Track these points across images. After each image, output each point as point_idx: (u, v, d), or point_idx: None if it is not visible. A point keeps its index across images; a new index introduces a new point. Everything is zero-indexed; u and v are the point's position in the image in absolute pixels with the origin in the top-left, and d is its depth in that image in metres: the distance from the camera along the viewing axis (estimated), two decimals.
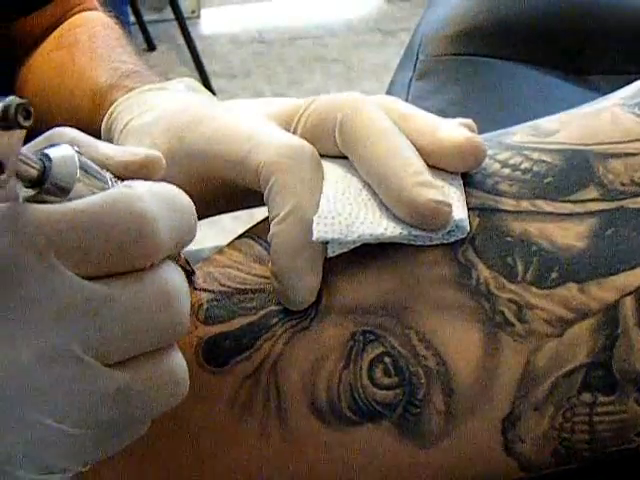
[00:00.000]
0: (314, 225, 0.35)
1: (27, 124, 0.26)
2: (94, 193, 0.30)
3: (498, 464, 0.35)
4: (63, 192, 0.29)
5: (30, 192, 0.29)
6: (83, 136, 0.34)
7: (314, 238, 0.35)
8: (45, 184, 0.29)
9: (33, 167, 0.28)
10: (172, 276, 0.31)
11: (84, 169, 0.30)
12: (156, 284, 0.30)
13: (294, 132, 0.39)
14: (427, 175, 0.36)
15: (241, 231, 0.41)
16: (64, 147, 0.30)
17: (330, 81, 2.37)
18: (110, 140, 0.49)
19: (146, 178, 0.33)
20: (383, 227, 0.35)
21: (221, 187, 0.41)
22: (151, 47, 2.49)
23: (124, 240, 0.29)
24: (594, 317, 0.34)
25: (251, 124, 0.39)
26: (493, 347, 0.34)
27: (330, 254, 0.35)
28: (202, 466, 0.36)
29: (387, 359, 0.35)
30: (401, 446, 0.35)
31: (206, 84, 2.30)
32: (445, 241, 0.35)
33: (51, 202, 0.29)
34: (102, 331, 0.28)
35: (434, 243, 0.35)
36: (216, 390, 0.36)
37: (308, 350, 0.35)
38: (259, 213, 0.45)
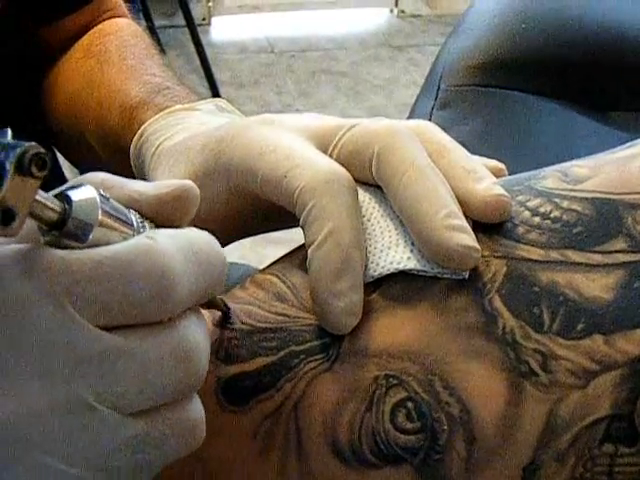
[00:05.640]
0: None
1: (41, 174, 0.26)
2: (121, 236, 0.29)
3: None
4: (84, 235, 0.28)
5: (50, 235, 0.29)
6: (113, 177, 0.33)
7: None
8: (65, 227, 0.28)
9: (53, 210, 0.28)
10: (191, 330, 0.30)
11: (107, 211, 0.29)
12: (174, 338, 0.30)
13: (330, 155, 0.39)
14: (459, 218, 0.36)
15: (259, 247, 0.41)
16: (86, 188, 0.29)
17: (338, 94, 2.37)
18: (141, 162, 0.49)
19: (181, 211, 0.33)
20: (406, 259, 0.36)
21: (256, 203, 0.40)
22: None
23: (142, 296, 0.28)
24: (619, 369, 0.34)
25: (289, 143, 0.39)
26: (517, 396, 0.34)
27: (368, 279, 0.36)
28: None
29: (410, 404, 0.35)
30: None
31: (214, 92, 2.31)
32: (455, 277, 0.36)
33: (72, 246, 0.28)
34: (118, 383, 0.28)
35: (444, 277, 0.36)
36: (236, 428, 0.36)
37: (330, 391, 0.35)
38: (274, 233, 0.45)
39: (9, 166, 0.26)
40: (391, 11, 2.89)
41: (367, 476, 0.35)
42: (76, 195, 0.29)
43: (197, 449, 0.32)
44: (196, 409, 0.31)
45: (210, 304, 0.36)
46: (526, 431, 0.34)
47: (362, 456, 0.35)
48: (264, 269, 0.41)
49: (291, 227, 0.44)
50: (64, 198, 0.29)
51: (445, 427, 0.34)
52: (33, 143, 0.26)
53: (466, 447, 0.34)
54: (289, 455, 0.35)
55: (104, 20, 0.65)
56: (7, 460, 0.27)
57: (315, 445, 0.35)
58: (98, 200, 0.29)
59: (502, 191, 0.37)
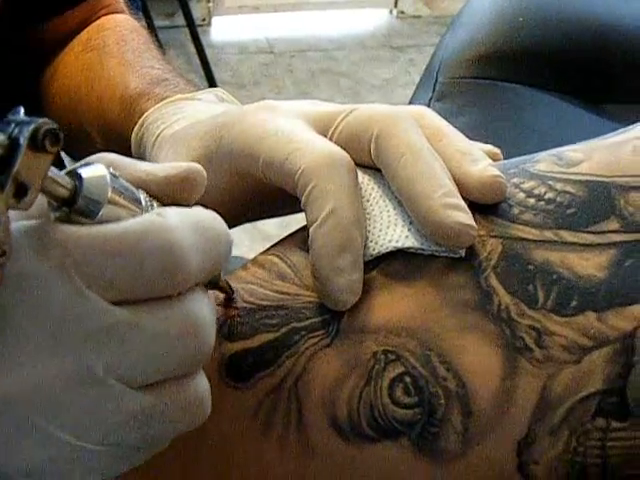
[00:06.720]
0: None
1: (54, 150, 0.27)
2: (130, 214, 0.30)
3: None
4: (93, 212, 0.29)
5: (60, 212, 0.29)
6: (122, 157, 0.34)
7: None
8: (75, 204, 0.29)
9: (64, 187, 0.29)
10: (199, 305, 0.31)
11: (117, 189, 0.30)
12: (182, 313, 0.30)
13: (329, 139, 0.40)
14: (456, 197, 0.37)
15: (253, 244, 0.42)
16: (97, 167, 0.30)
17: (338, 94, 2.38)
18: (142, 152, 0.50)
19: (188, 192, 0.34)
20: (404, 238, 0.37)
21: (258, 187, 0.41)
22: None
23: (152, 270, 0.29)
24: (611, 345, 0.35)
25: (290, 127, 0.39)
26: (512, 371, 0.35)
27: (367, 258, 0.37)
28: (222, 479, 0.37)
29: (407, 379, 0.35)
30: (418, 464, 0.36)
31: None
32: (453, 255, 0.37)
33: (82, 222, 0.29)
34: (126, 356, 0.29)
35: (441, 255, 0.37)
36: (238, 405, 0.37)
37: (330, 367, 0.36)
38: (267, 225, 0.46)
39: (23, 141, 0.26)
40: (390, 12, 2.90)
41: (365, 450, 0.36)
42: (87, 172, 0.30)
43: (201, 425, 0.33)
44: (202, 384, 0.32)
45: (215, 285, 0.37)
46: (521, 405, 0.35)
47: (360, 430, 0.35)
48: (265, 251, 0.42)
49: (291, 213, 0.45)
50: (75, 175, 0.29)
51: (442, 401, 0.35)
52: (46, 119, 0.27)
53: (462, 421, 0.35)
54: (290, 430, 0.36)
55: (102, 16, 0.66)
56: (16, 431, 0.28)
57: (315, 420, 0.36)
58: (108, 178, 0.30)
59: (497, 172, 0.38)
